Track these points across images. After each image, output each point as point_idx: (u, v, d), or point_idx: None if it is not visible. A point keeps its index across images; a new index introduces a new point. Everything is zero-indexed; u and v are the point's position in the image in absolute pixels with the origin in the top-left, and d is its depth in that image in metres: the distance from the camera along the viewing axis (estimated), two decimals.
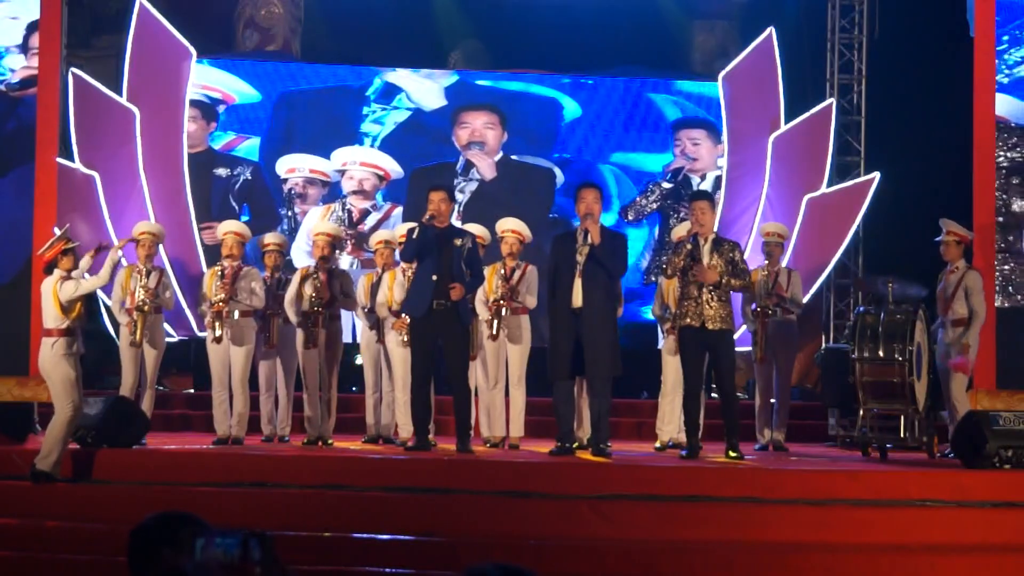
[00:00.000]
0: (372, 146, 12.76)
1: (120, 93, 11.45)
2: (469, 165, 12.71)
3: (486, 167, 12.74)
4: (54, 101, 9.55)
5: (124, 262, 9.06)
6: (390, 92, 12.82)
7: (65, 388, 7.69)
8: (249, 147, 12.64)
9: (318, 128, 12.79)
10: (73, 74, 11.06)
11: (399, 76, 12.86)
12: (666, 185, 12.68)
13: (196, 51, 11.87)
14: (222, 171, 12.50)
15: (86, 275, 8.15)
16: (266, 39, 13.20)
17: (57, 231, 8.38)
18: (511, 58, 13.24)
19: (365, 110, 12.80)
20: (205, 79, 12.39)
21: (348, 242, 12.37)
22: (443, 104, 12.89)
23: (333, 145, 12.69)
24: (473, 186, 12.71)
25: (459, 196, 12.42)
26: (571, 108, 12.93)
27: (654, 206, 12.66)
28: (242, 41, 13.20)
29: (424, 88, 12.88)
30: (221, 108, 12.58)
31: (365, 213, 12.62)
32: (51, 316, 7.83)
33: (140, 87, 11.51)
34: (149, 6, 11.61)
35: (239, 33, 13.21)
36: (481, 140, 12.77)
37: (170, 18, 11.73)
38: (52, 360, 7.75)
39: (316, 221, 11.93)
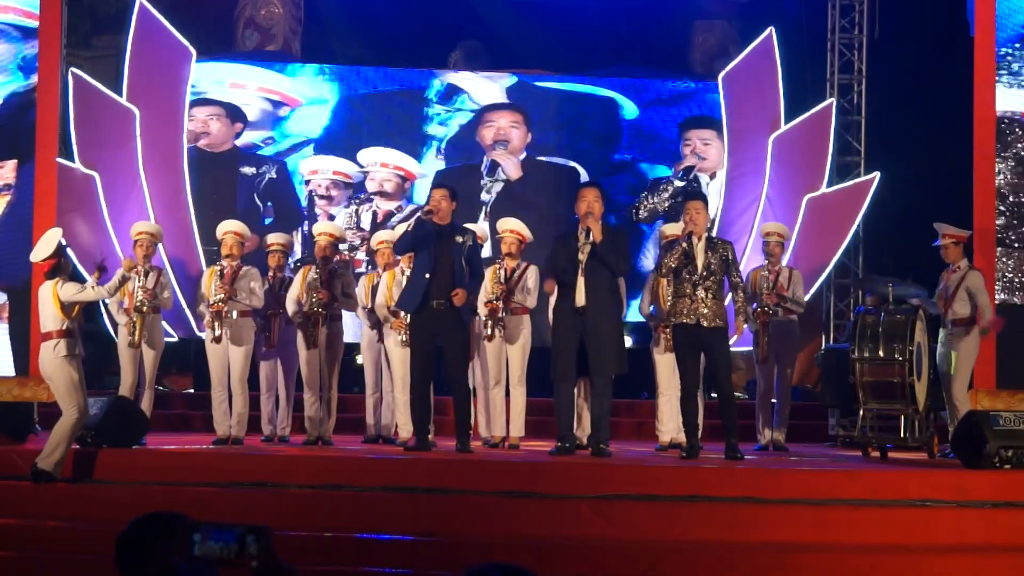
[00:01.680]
0: (438, 148, 12.82)
1: (120, 93, 11.45)
2: (495, 165, 12.76)
3: (511, 167, 12.79)
4: (54, 101, 9.55)
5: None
6: (451, 94, 12.88)
7: (69, 391, 7.65)
8: (306, 151, 12.73)
9: (383, 131, 12.86)
10: (73, 74, 11.06)
11: (460, 77, 12.96)
12: (678, 184, 12.70)
13: (196, 51, 11.88)
14: (248, 170, 12.57)
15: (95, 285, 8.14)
16: (266, 39, 13.20)
17: (51, 235, 8.25)
18: (510, 58, 13.27)
19: (429, 112, 12.87)
20: (269, 84, 12.58)
21: (357, 245, 12.42)
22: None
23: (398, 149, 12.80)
24: (499, 186, 12.75)
25: (485, 196, 12.55)
26: (630, 109, 12.99)
27: (666, 205, 12.66)
28: (242, 41, 13.20)
29: (485, 89, 12.96)
30: (284, 111, 12.64)
31: (389, 215, 12.65)
32: (51, 318, 7.78)
33: (140, 87, 11.52)
34: (149, 6, 11.61)
35: (239, 33, 13.22)
36: (505, 139, 12.82)
37: (170, 18, 11.73)
38: (54, 363, 7.70)
39: (341, 223, 12.01)
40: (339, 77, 12.88)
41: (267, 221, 12.39)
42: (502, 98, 12.98)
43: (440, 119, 12.88)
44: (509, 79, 13.06)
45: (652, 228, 12.61)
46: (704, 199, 8.92)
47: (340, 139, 12.81)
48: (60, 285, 7.79)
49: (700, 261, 8.34)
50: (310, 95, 12.78)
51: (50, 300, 7.79)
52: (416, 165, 12.77)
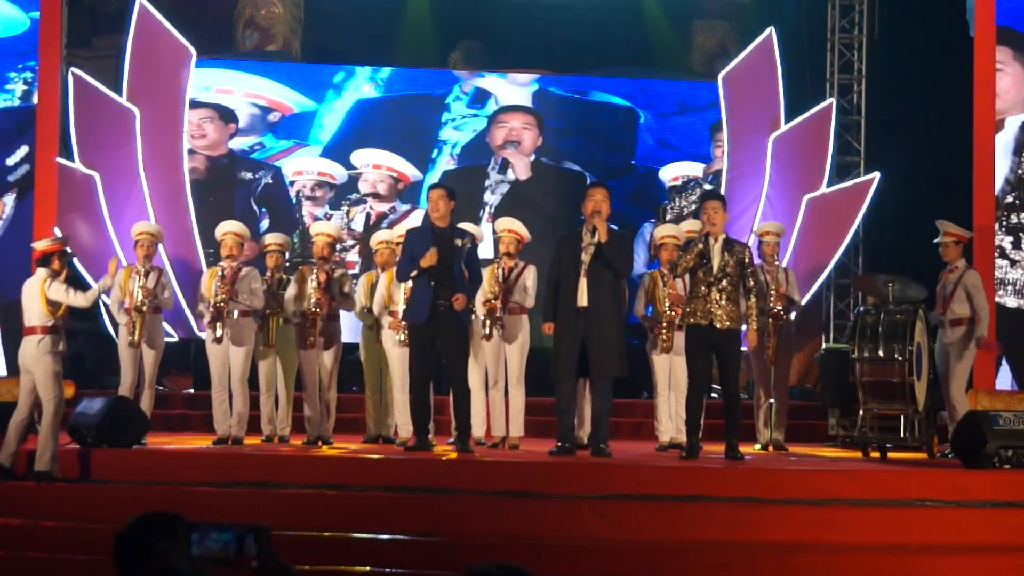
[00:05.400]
0: (451, 154, 12.81)
1: (120, 93, 11.46)
2: (506, 163, 12.77)
3: (521, 168, 12.80)
4: (54, 101, 9.56)
5: (124, 262, 9.05)
6: (480, 97, 12.91)
7: (49, 383, 7.74)
8: (308, 156, 12.73)
9: (395, 136, 12.85)
10: (73, 74, 11.07)
11: (488, 81, 13.00)
12: (707, 187, 12.71)
13: (196, 51, 11.88)
14: (246, 174, 12.57)
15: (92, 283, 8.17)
16: (266, 39, 13.20)
17: (59, 232, 8.36)
18: (509, 59, 13.27)
19: (444, 117, 12.87)
20: (257, 89, 12.58)
21: (348, 246, 12.41)
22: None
23: (408, 153, 12.77)
24: (505, 187, 12.75)
25: (491, 197, 12.52)
26: (645, 115, 13.03)
27: (694, 207, 12.67)
28: (242, 41, 13.21)
29: (512, 94, 13.02)
30: (275, 116, 12.63)
31: (383, 216, 12.65)
32: (37, 313, 7.84)
33: (140, 87, 11.52)
34: (149, 6, 11.61)
35: (239, 33, 13.22)
36: (517, 140, 12.83)
37: (170, 18, 11.73)
38: (36, 356, 7.78)
39: (337, 224, 12.01)
40: (351, 78, 12.87)
41: (263, 227, 12.34)
42: (527, 103, 12.99)
43: (456, 124, 12.88)
44: (533, 85, 13.09)
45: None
46: (722, 199, 8.86)
47: (350, 143, 12.76)
48: (49, 283, 7.81)
49: (716, 262, 8.31)
50: (305, 103, 12.74)
51: (37, 296, 7.83)
52: (410, 167, 12.75)
